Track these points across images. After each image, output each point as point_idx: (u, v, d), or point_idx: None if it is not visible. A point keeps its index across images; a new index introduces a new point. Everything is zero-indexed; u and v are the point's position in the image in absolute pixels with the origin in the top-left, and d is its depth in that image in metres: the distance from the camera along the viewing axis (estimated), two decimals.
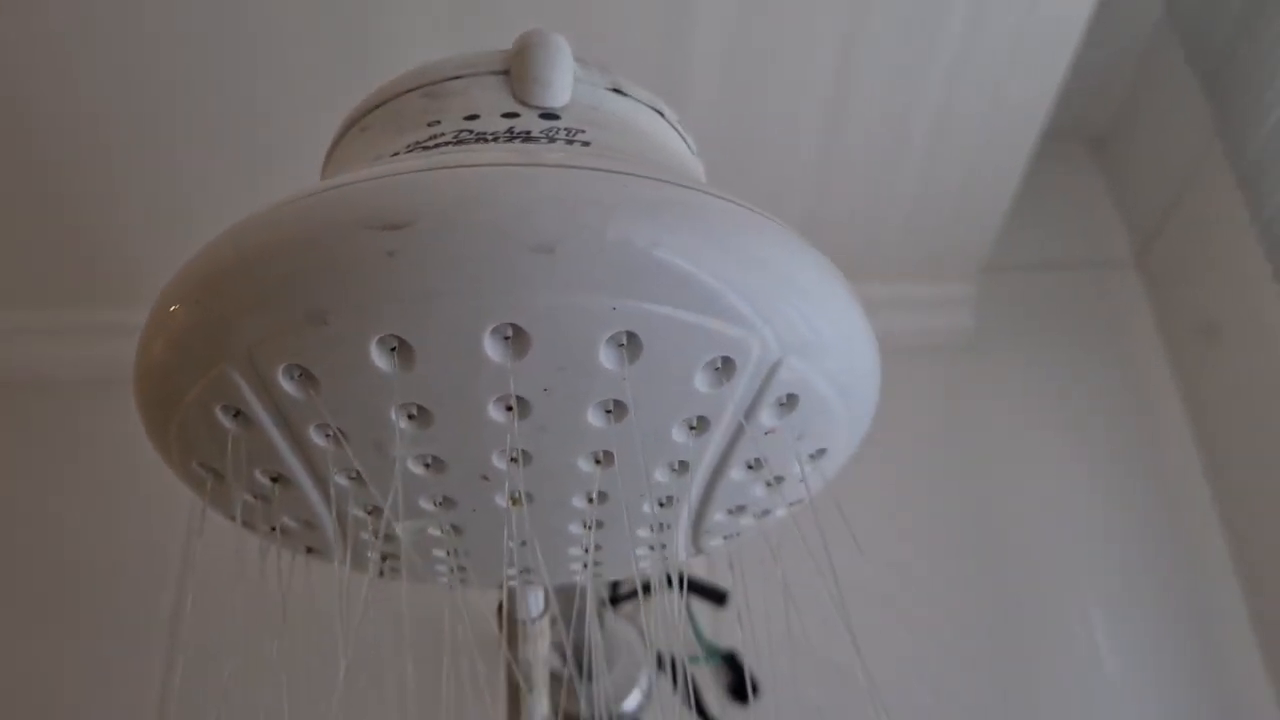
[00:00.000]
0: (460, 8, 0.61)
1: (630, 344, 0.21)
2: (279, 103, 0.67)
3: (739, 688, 0.68)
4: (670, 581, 0.28)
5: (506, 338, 0.21)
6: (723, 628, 0.69)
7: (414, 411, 0.22)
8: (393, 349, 0.21)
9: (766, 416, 0.24)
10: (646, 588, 0.63)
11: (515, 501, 0.24)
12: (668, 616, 0.64)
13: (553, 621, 0.34)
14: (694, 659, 0.64)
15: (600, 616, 0.53)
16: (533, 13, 0.62)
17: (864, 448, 0.29)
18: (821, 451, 0.26)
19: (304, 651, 0.30)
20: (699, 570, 0.68)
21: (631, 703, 0.61)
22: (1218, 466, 0.78)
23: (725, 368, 0.22)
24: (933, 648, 0.73)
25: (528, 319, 0.21)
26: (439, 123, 0.25)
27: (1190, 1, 0.72)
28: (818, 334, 0.23)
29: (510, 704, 0.33)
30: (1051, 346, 0.85)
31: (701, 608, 0.68)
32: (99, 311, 0.79)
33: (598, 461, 0.24)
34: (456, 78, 0.27)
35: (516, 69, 0.26)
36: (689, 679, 0.61)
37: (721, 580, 0.68)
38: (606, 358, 0.21)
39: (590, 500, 0.25)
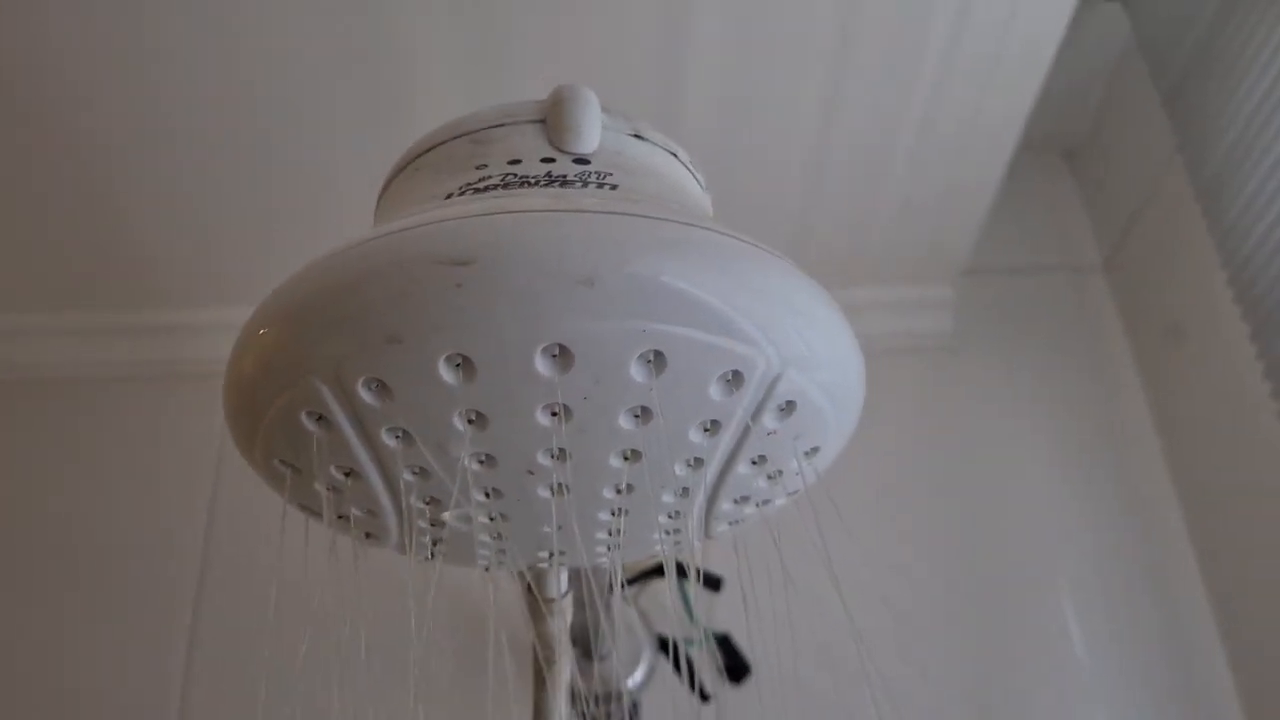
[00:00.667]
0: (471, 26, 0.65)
1: (656, 360, 0.25)
2: (289, 115, 0.70)
3: (732, 669, 0.72)
4: (682, 569, 0.31)
5: (554, 355, 0.25)
6: (717, 613, 0.73)
7: (473, 417, 0.26)
8: (457, 365, 0.25)
9: (769, 420, 0.28)
10: (654, 573, 0.68)
11: (556, 492, 0.28)
12: (671, 601, 0.69)
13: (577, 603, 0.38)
14: (691, 642, 0.68)
15: (606, 600, 0.57)
16: (533, 32, 0.65)
17: (850, 442, 0.33)
18: (815, 449, 0.30)
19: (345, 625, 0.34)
20: (695, 558, 0.72)
21: (634, 681, 0.65)
22: (1180, 459, 0.82)
23: (735, 379, 0.26)
24: (914, 630, 0.77)
25: (572, 340, 0.25)
26: (486, 166, 0.29)
27: (1155, 26, 0.76)
28: (812, 351, 0.27)
29: (535, 676, 0.37)
30: (1026, 346, 0.89)
31: (697, 593, 0.72)
32: (124, 313, 0.82)
33: (626, 458, 0.28)
34: (499, 125, 0.31)
35: (552, 119, 0.30)
36: (688, 660, 0.65)
37: (716, 568, 0.72)
38: (636, 372, 0.25)
39: (619, 491, 0.29)
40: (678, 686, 0.70)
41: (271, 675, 0.73)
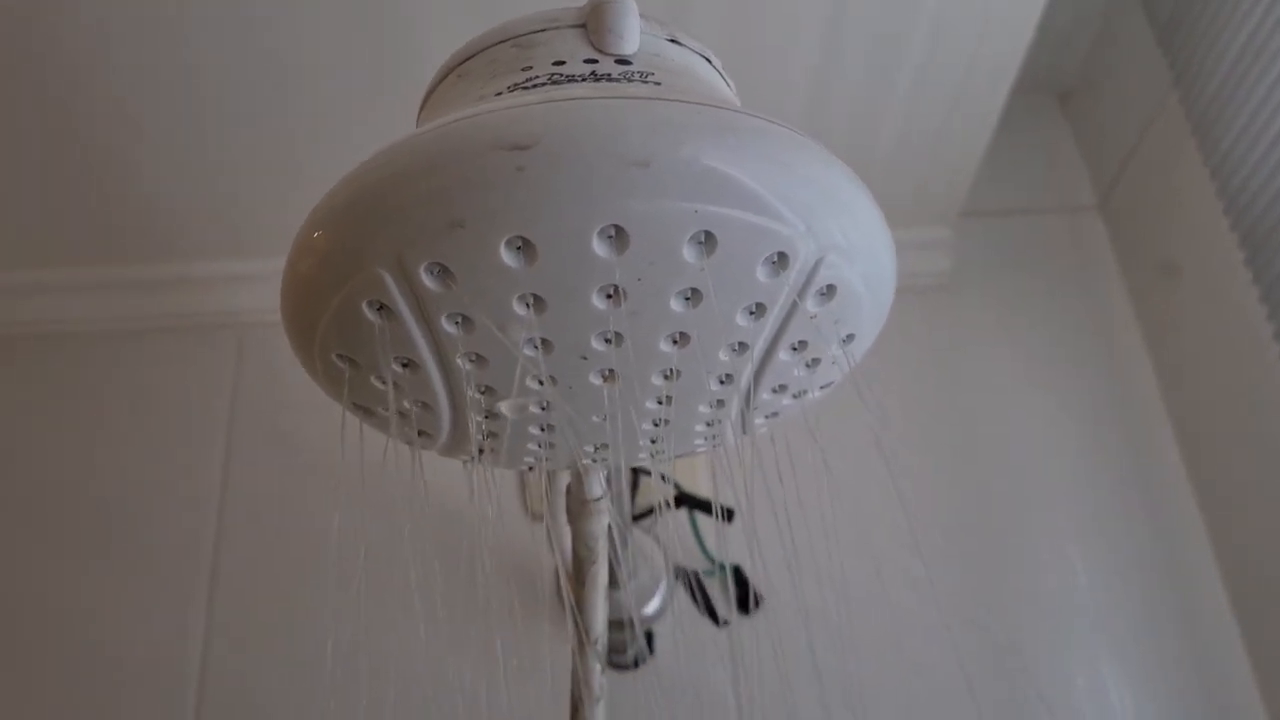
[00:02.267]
0: None
1: (707, 241, 0.27)
2: (302, 70, 0.70)
3: (742, 598, 0.74)
4: (694, 499, 0.32)
5: (610, 237, 0.26)
6: (727, 543, 0.75)
7: (531, 300, 0.27)
8: (518, 248, 0.26)
9: (811, 304, 0.29)
10: (665, 504, 0.69)
11: (607, 378, 0.29)
12: (678, 532, 0.70)
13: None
14: (707, 572, 0.70)
15: (624, 530, 0.58)
16: None
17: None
18: (851, 336, 0.32)
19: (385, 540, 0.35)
20: (706, 491, 0.74)
21: (651, 607, 0.67)
22: (1177, 394, 0.84)
23: (780, 261, 0.28)
24: (914, 563, 0.79)
25: (628, 221, 0.26)
26: (531, 67, 0.30)
27: None
28: (850, 238, 0.29)
29: (576, 573, 0.39)
30: (1022, 286, 0.91)
31: (706, 524, 0.74)
32: (136, 266, 0.83)
33: (675, 342, 0.29)
34: (541, 30, 0.32)
35: (593, 22, 0.31)
36: (704, 586, 0.67)
37: (727, 500, 0.74)
38: (688, 253, 0.27)
39: (667, 377, 0.30)
40: (690, 617, 0.71)
41: (292, 627, 0.75)
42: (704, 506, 0.72)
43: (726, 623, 0.69)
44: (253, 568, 0.78)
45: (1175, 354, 0.85)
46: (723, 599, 0.71)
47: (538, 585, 0.70)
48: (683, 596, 0.70)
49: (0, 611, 0.76)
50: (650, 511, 0.69)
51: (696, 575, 0.68)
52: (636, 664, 0.70)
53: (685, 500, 0.71)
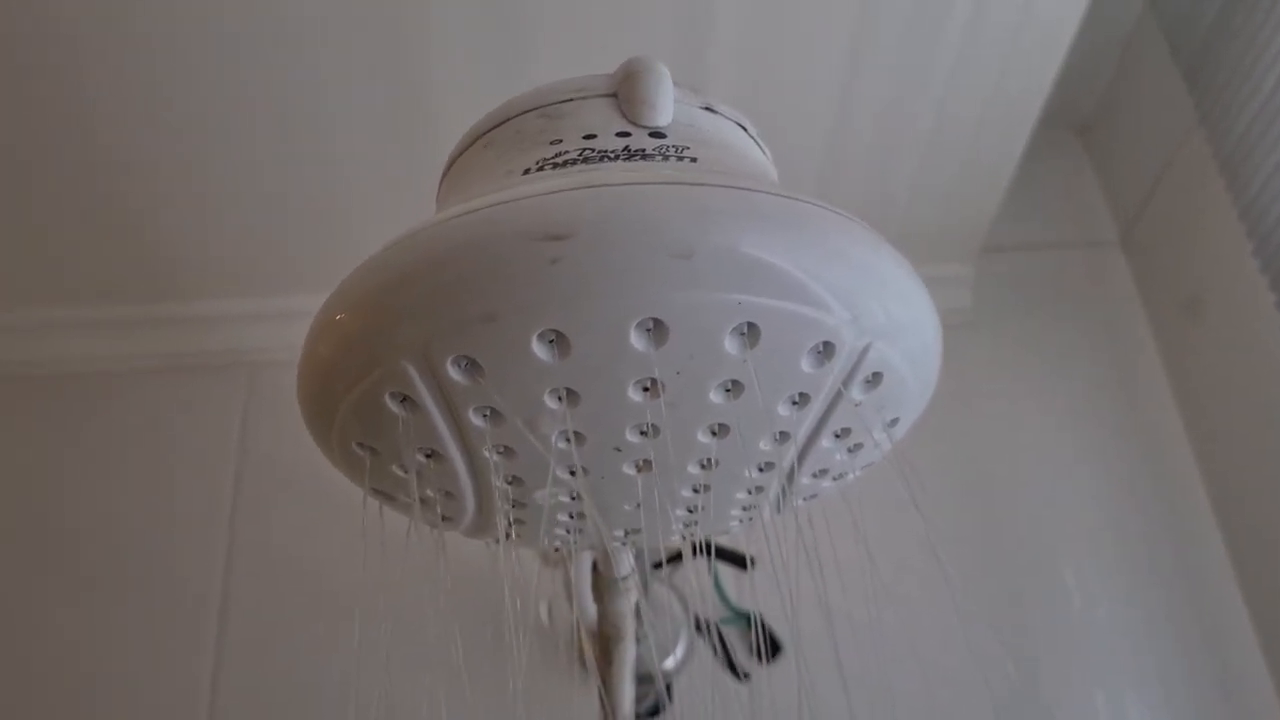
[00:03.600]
0: (493, 23, 0.64)
1: (750, 332, 0.25)
2: (306, 111, 0.69)
3: (759, 646, 0.72)
4: (696, 550, 0.31)
5: (648, 330, 0.25)
6: (745, 591, 0.74)
7: (564, 394, 0.26)
8: (551, 341, 0.25)
9: (856, 392, 0.28)
10: (679, 555, 0.68)
11: (642, 469, 0.28)
12: (697, 581, 0.69)
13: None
14: (725, 620, 0.68)
15: (646, 582, 0.57)
16: (560, 21, 0.65)
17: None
18: (895, 420, 0.30)
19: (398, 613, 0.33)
20: (723, 538, 0.72)
21: (671, 661, 0.65)
22: (1200, 429, 0.83)
23: (826, 350, 0.26)
24: (937, 597, 0.77)
25: (668, 314, 0.24)
26: (561, 140, 0.29)
27: (1173, 1, 0.76)
28: (899, 323, 0.27)
29: (602, 651, 0.37)
30: (1043, 322, 0.89)
31: (726, 572, 0.73)
32: (143, 306, 0.82)
33: (714, 433, 0.28)
34: (569, 100, 0.30)
35: (625, 92, 0.30)
36: (722, 640, 0.65)
37: (745, 547, 0.72)
38: (730, 344, 0.25)
39: (704, 466, 0.29)
40: (707, 667, 0.70)
41: (301, 664, 0.74)
42: (724, 554, 0.70)
43: (747, 676, 0.68)
44: (261, 604, 0.77)
45: (1198, 389, 0.84)
46: (742, 648, 0.69)
47: (558, 647, 0.68)
48: (703, 648, 0.68)
49: (10, 647, 0.75)
50: (671, 560, 0.68)
51: (718, 628, 0.67)
52: (655, 712, 0.68)
53: (706, 548, 0.69)
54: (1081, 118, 0.97)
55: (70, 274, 0.81)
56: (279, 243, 0.78)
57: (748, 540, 0.36)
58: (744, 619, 0.72)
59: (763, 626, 0.71)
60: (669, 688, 0.68)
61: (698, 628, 0.68)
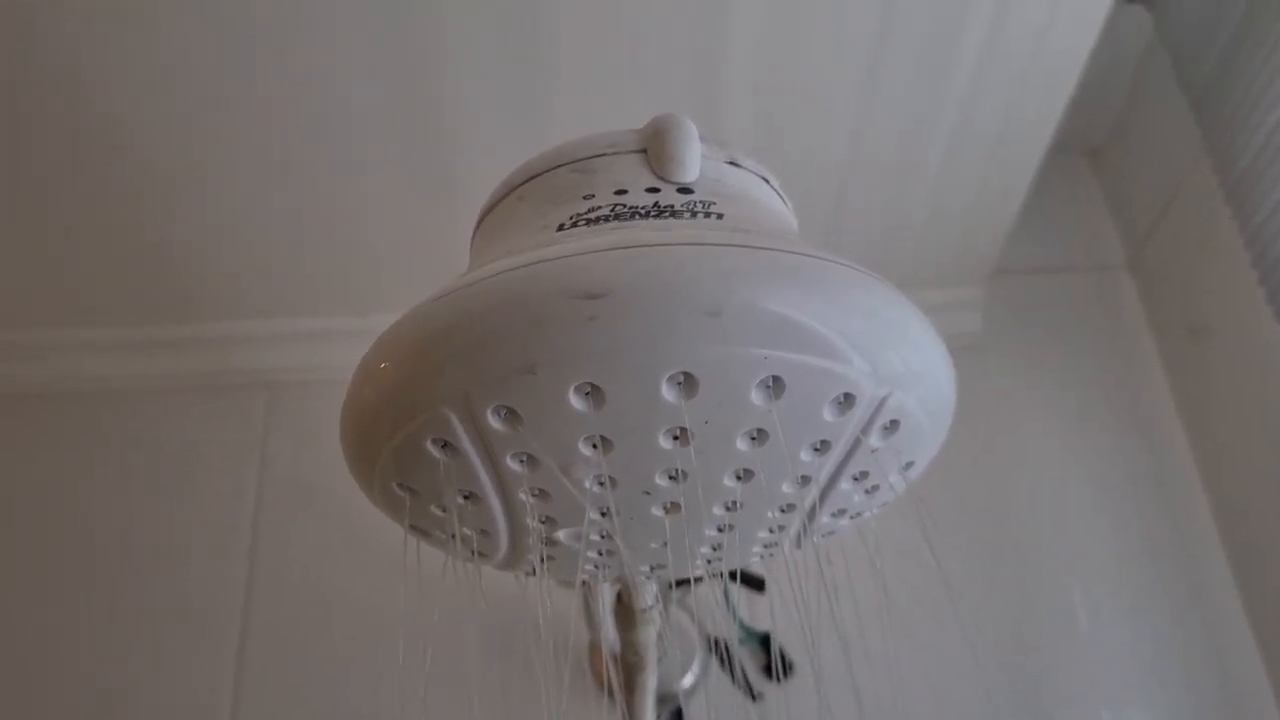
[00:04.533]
0: (510, 54, 0.66)
1: (775, 385, 0.26)
2: (323, 134, 0.71)
3: (770, 667, 0.73)
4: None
5: (679, 383, 0.26)
6: (759, 613, 0.75)
7: (598, 442, 0.27)
8: (587, 393, 0.26)
9: (874, 439, 0.29)
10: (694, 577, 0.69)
11: (670, 511, 0.29)
12: (712, 602, 0.70)
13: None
14: (740, 641, 0.70)
15: (667, 612, 0.58)
16: (579, 42, 0.66)
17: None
18: (910, 464, 0.32)
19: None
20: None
21: (688, 682, 0.66)
22: (1207, 453, 0.84)
23: (846, 401, 0.28)
24: (945, 619, 0.79)
25: (698, 367, 0.26)
26: (593, 196, 0.30)
27: (1182, 30, 0.77)
28: (915, 371, 0.28)
29: (626, 679, 0.39)
30: (1052, 346, 0.91)
31: (739, 593, 0.74)
32: (164, 327, 0.83)
33: (739, 478, 0.29)
34: (601, 155, 0.32)
35: (654, 149, 0.31)
36: (737, 659, 0.66)
37: (757, 569, 0.73)
38: (756, 396, 0.27)
39: (728, 509, 0.30)
40: (721, 688, 0.71)
41: (321, 684, 0.75)
42: (743, 577, 0.71)
43: (761, 696, 0.69)
44: (281, 622, 0.78)
45: (1204, 412, 0.85)
46: (755, 668, 0.71)
47: (577, 660, 0.69)
48: (717, 668, 0.69)
49: (33, 665, 0.76)
50: (683, 583, 0.69)
51: (728, 647, 0.68)
52: None
53: (723, 575, 0.70)
54: (1092, 143, 0.98)
55: (91, 295, 0.83)
56: (299, 265, 0.80)
57: (766, 563, 0.37)
58: (756, 639, 0.73)
59: (777, 647, 0.72)
60: (681, 711, 0.70)
61: (713, 649, 0.70)
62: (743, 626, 0.72)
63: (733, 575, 0.72)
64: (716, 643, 0.70)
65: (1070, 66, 0.70)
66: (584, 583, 0.36)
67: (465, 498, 0.30)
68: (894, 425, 0.29)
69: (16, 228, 0.76)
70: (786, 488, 0.30)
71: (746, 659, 0.72)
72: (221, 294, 0.82)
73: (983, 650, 0.79)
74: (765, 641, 0.73)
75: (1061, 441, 0.87)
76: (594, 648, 0.68)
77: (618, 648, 0.44)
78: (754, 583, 0.72)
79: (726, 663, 0.67)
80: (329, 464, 0.87)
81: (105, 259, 0.79)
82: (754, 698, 0.68)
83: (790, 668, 0.72)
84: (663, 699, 0.67)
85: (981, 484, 0.85)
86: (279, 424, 0.84)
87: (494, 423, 0.27)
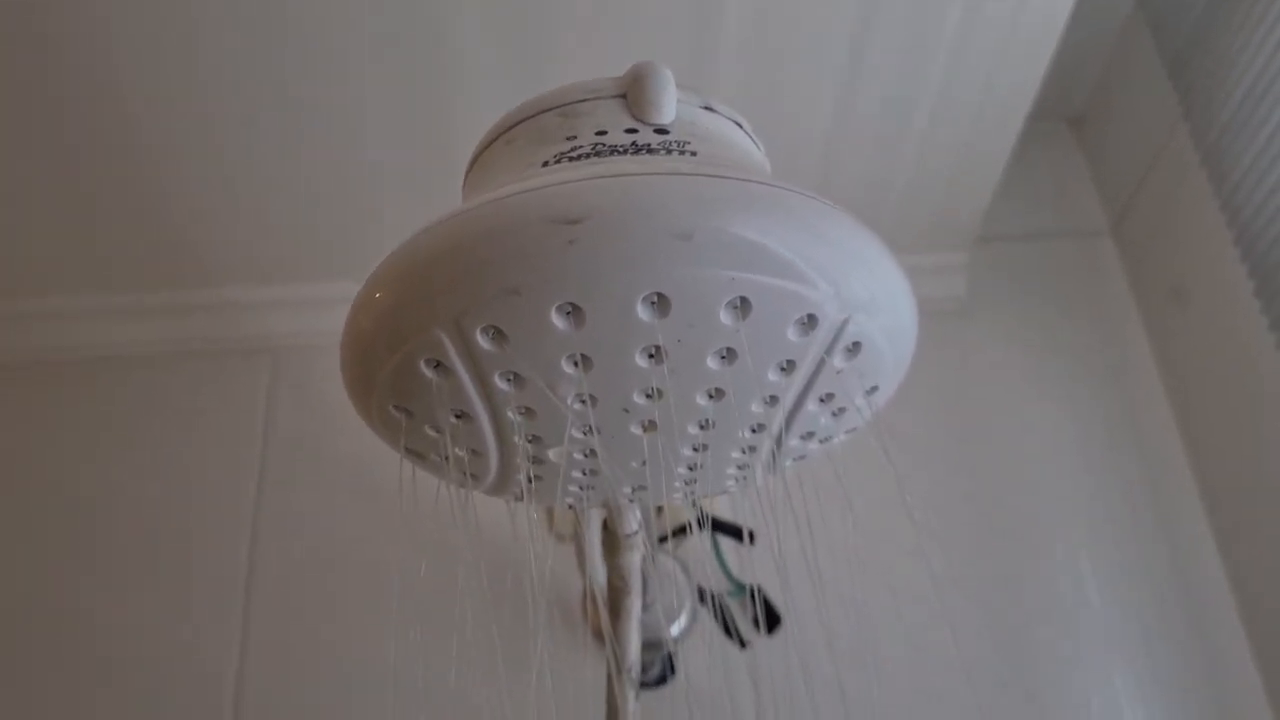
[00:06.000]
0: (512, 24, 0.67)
1: (742, 305, 0.29)
2: (327, 100, 0.72)
3: (762, 619, 0.76)
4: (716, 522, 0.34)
5: (653, 303, 0.28)
6: (745, 564, 0.77)
7: (579, 360, 0.29)
8: (568, 313, 0.28)
9: (838, 359, 0.31)
10: (685, 528, 0.71)
11: (647, 428, 0.31)
12: (703, 554, 0.72)
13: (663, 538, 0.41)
14: (730, 593, 0.72)
15: (651, 553, 0.60)
16: (577, 12, 0.68)
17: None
18: (875, 388, 0.34)
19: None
20: (724, 512, 0.76)
21: (676, 630, 0.69)
22: (1187, 414, 0.86)
23: (809, 322, 0.30)
24: (930, 580, 0.81)
25: (670, 288, 0.28)
26: (576, 137, 0.32)
27: None
28: (875, 297, 0.31)
29: (611, 604, 0.41)
30: (1035, 309, 0.93)
31: (727, 546, 0.76)
32: (168, 292, 0.85)
33: (711, 396, 0.31)
34: (584, 100, 0.34)
35: (633, 94, 0.33)
36: (724, 610, 0.69)
37: (748, 522, 0.76)
38: (725, 316, 0.29)
39: (702, 427, 0.32)
40: (710, 637, 0.73)
41: (326, 640, 0.77)
42: (726, 529, 0.73)
43: (748, 645, 0.71)
44: (287, 584, 0.80)
45: (1185, 376, 0.87)
46: (744, 620, 0.73)
47: (570, 610, 0.72)
48: (706, 617, 0.72)
49: (37, 626, 0.78)
50: (675, 534, 0.71)
51: (720, 597, 0.70)
52: (662, 681, 0.72)
53: (708, 523, 0.73)
54: (1074, 110, 1.00)
55: (96, 262, 0.85)
56: (304, 231, 0.82)
57: (741, 513, 0.39)
58: (745, 592, 0.75)
59: (763, 599, 0.74)
60: (672, 657, 0.72)
61: (701, 599, 0.72)
62: (731, 579, 0.74)
63: (716, 526, 0.75)
64: (703, 592, 0.72)
65: (1050, 32, 0.71)
66: (571, 508, 0.38)
67: (457, 417, 0.32)
68: (856, 348, 0.31)
69: (20, 195, 0.78)
70: (755, 407, 0.32)
71: (735, 610, 0.75)
72: (226, 260, 0.84)
73: (964, 608, 0.81)
74: (755, 594, 0.76)
75: (1044, 404, 0.89)
76: (588, 597, 0.70)
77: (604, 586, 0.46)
78: (734, 532, 0.74)
79: (715, 613, 0.69)
80: (333, 428, 0.90)
81: (109, 226, 0.81)
82: (743, 646, 0.71)
83: (779, 620, 0.74)
84: (652, 645, 0.69)
85: (964, 448, 0.87)
86: (283, 388, 0.86)
87: (483, 343, 0.29)
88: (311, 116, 0.73)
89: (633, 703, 0.40)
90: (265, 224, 0.81)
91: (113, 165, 0.76)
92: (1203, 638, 0.80)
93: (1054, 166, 0.99)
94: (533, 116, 0.34)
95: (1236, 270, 0.74)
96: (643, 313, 0.28)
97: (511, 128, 0.35)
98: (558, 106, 0.34)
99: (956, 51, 0.73)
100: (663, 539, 0.72)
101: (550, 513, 0.74)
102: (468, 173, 0.37)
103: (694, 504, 0.41)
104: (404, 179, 0.78)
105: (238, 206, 0.80)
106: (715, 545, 0.74)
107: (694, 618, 0.71)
